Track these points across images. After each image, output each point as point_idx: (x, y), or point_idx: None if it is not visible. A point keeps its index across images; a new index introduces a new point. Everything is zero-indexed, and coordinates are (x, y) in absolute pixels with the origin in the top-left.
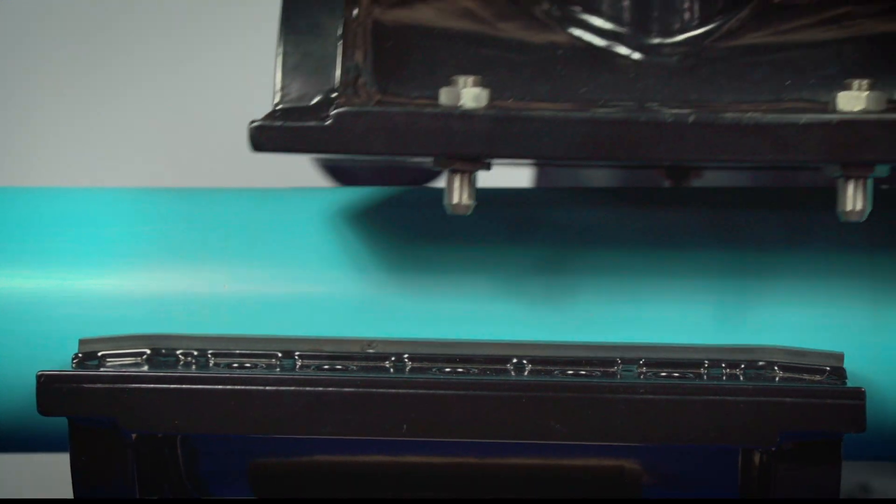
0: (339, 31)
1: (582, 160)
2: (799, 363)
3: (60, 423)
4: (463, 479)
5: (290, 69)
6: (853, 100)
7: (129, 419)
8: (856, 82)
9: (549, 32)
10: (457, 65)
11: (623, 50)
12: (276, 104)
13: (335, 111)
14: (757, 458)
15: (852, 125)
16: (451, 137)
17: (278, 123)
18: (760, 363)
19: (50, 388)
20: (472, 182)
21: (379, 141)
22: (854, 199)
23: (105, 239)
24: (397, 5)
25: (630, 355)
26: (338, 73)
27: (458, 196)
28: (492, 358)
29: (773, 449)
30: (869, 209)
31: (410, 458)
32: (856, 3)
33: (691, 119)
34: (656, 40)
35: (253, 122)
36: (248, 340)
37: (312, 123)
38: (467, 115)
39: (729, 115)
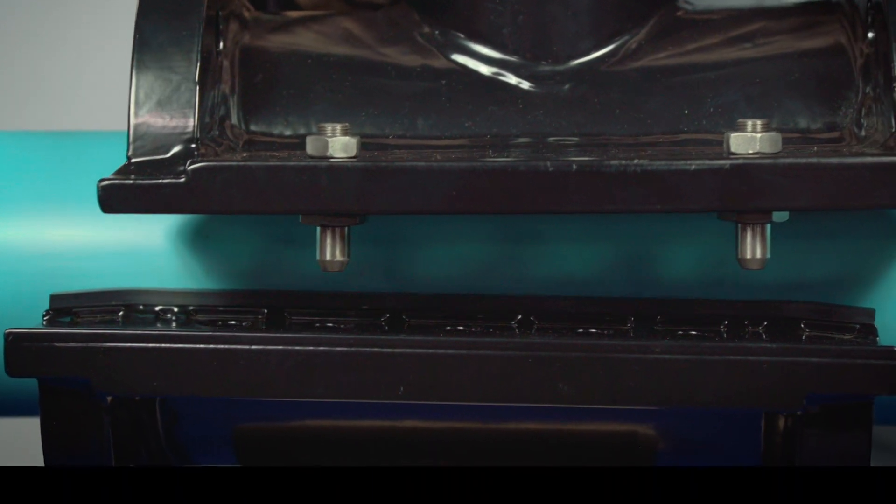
0: (197, 73)
1: (460, 213)
2: (827, 320)
3: (30, 384)
4: (464, 445)
5: (143, 116)
6: (746, 142)
7: (104, 380)
8: (749, 122)
9: (432, 59)
10: (332, 99)
11: (511, 79)
12: (130, 156)
13: (191, 166)
14: (781, 422)
15: (745, 170)
16: (319, 193)
17: (129, 181)
18: (785, 320)
19: (19, 347)
20: (344, 237)
21: (240, 198)
22: (753, 247)
23: (77, 187)
24: (273, 30)
25: (644, 311)
26: (195, 119)
27: (331, 253)
28: (495, 314)
29: (799, 412)
30: (769, 255)
31: (407, 422)
32: (768, 19)
33: (574, 168)
34: (547, 68)
35: (103, 180)
36: (233, 295)
37: (167, 181)
38: (334, 169)
39: (614, 164)
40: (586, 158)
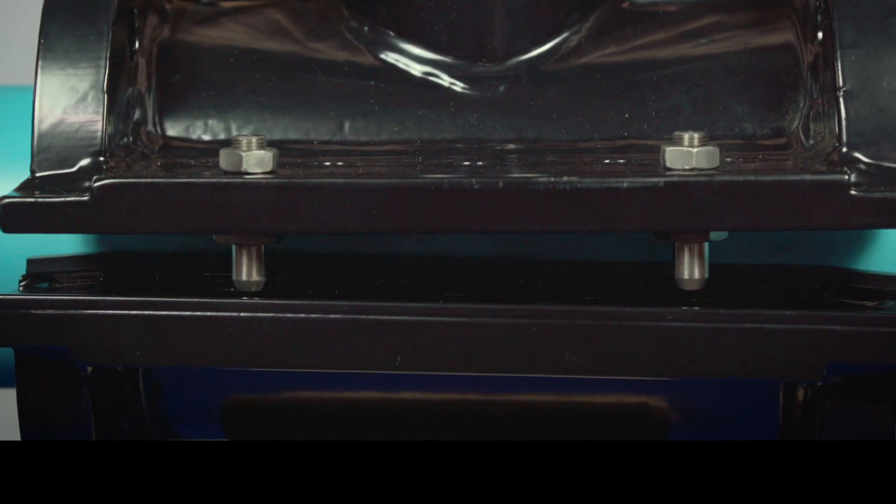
0: (105, 80)
1: (381, 232)
2: (849, 286)
3: (6, 354)
4: (465, 418)
5: (48, 127)
6: (682, 157)
7: (84, 349)
8: (686, 136)
9: (360, 58)
10: (255, 101)
11: (444, 80)
12: (34, 170)
13: (96, 184)
14: (801, 394)
15: (680, 188)
16: (231, 212)
17: (30, 199)
18: (805, 285)
19: None
20: (261, 256)
21: (148, 218)
22: (691, 268)
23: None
24: (197, 22)
25: (656, 276)
26: (103, 129)
27: (247, 272)
28: (498, 279)
29: (819, 384)
30: (707, 275)
31: (405, 394)
32: (717, 13)
33: (501, 185)
34: (481, 68)
35: (4, 198)
36: (219, 259)
37: (70, 199)
38: (248, 187)
39: (543, 181)
40: (513, 176)
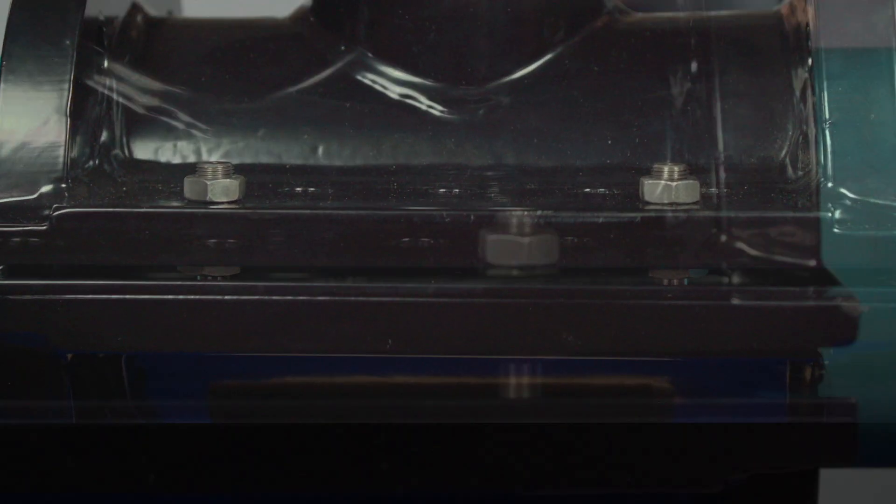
0: (68, 104)
1: (351, 266)
2: None
3: None
4: (460, 403)
5: (9, 152)
6: (661, 190)
7: (64, 336)
8: (666, 168)
9: (336, 79)
10: (226, 122)
11: (422, 103)
12: None
13: (55, 212)
14: (808, 373)
15: (658, 223)
16: (195, 243)
17: None
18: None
19: None
20: None
21: (108, 248)
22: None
23: None
24: (172, 37)
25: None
26: (65, 155)
27: None
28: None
29: (826, 362)
30: None
31: (397, 379)
32: (705, 34)
33: (472, 218)
34: (460, 91)
35: None
36: None
37: (28, 228)
38: (213, 217)
39: (515, 214)
40: (485, 209)
